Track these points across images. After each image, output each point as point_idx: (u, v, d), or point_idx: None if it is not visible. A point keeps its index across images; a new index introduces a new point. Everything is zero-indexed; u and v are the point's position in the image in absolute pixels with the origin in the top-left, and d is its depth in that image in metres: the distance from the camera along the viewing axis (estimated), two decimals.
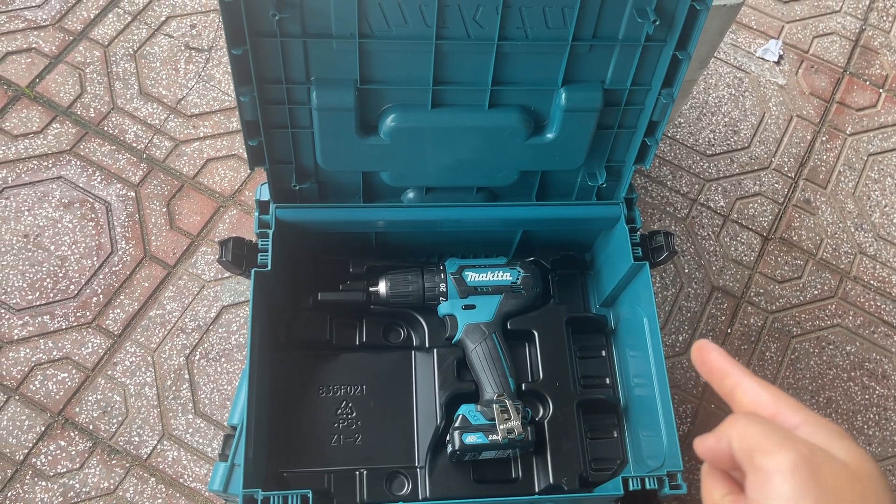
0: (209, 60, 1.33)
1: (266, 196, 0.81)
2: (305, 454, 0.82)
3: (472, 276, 0.85)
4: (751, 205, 1.33)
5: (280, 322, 0.86)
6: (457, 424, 0.80)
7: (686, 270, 1.26)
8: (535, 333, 0.86)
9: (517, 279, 0.86)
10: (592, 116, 0.76)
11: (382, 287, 0.86)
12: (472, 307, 0.84)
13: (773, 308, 1.25)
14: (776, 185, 1.35)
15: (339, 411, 0.83)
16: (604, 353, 0.90)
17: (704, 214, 1.31)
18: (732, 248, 1.29)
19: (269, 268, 0.77)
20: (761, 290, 1.26)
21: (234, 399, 0.85)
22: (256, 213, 0.80)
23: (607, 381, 0.89)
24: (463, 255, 0.93)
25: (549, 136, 0.78)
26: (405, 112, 0.74)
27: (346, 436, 0.82)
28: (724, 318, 1.24)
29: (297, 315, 0.87)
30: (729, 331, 1.23)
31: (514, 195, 0.86)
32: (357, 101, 0.72)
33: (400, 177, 0.82)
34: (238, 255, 0.77)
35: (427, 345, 0.87)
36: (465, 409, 0.80)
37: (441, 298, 0.86)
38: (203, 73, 1.32)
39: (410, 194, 0.85)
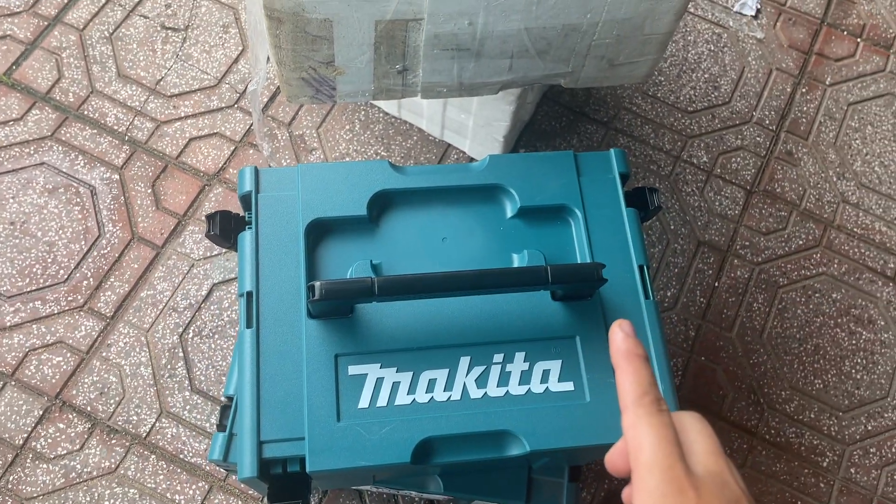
0: (186, 40, 1.32)
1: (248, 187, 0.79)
2: None
3: None
4: (733, 159, 1.34)
5: None
6: None
7: (672, 227, 1.27)
8: None
9: None
10: None
11: None
12: None
13: (759, 259, 1.27)
14: (758, 139, 1.35)
15: None
16: None
17: (688, 171, 1.32)
18: (717, 203, 1.30)
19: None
20: (747, 243, 1.27)
21: (230, 371, 0.86)
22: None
23: None
24: None
25: None
26: None
27: None
28: (711, 271, 1.25)
29: None
30: (716, 284, 1.24)
31: None
32: None
33: None
34: (226, 230, 0.77)
35: None
36: None
37: None
38: (181, 53, 1.31)
39: None
